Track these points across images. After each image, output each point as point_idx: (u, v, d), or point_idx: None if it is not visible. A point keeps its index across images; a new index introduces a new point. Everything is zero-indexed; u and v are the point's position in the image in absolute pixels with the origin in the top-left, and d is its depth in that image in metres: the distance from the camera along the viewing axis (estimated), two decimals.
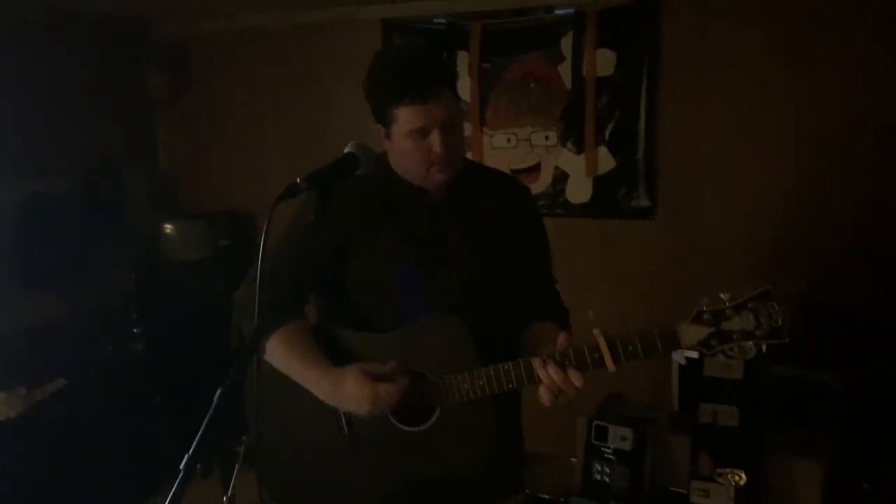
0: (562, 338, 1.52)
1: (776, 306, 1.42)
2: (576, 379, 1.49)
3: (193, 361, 3.86)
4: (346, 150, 1.55)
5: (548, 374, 1.50)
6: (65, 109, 3.78)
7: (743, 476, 2.25)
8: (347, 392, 1.59)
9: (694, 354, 2.61)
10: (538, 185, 3.67)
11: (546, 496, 2.91)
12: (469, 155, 3.73)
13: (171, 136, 4.45)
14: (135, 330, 3.87)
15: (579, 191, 3.64)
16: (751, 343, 1.44)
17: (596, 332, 1.51)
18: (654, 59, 3.42)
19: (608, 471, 2.42)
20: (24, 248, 3.52)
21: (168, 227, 4.12)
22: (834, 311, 2.91)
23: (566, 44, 3.56)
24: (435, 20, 3.77)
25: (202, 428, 1.04)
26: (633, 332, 1.50)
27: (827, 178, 3.15)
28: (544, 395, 1.53)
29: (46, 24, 3.62)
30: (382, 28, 3.82)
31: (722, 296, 1.46)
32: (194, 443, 1.02)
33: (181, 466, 1.00)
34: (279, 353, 1.67)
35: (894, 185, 3.04)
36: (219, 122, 4.30)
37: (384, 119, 1.63)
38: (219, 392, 1.10)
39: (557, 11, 3.59)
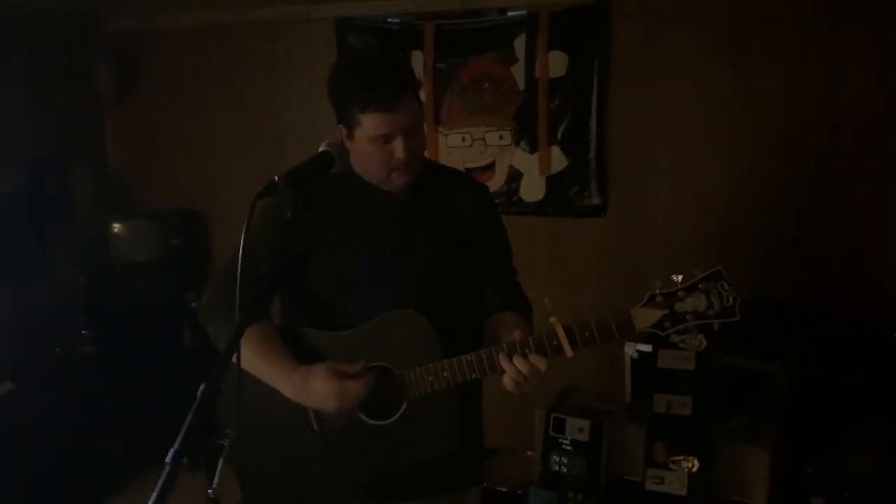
0: (517, 333, 1.57)
1: (726, 286, 1.48)
2: (539, 364, 1.53)
3: (144, 363, 3.80)
4: (321, 149, 1.56)
5: (512, 364, 1.54)
6: (10, 104, 3.67)
7: (696, 463, 2.35)
8: (315, 390, 1.61)
9: (646, 348, 2.69)
10: (493, 184, 3.72)
11: (504, 489, 2.98)
12: (425, 154, 3.75)
13: (119, 132, 4.36)
14: (84, 332, 3.79)
15: (533, 189, 3.70)
16: (701, 322, 1.48)
17: (553, 319, 1.56)
18: (605, 60, 3.50)
19: (566, 461, 2.50)
20: None
21: (117, 227, 4.05)
22: (778, 303, 3.03)
23: (519, 45, 3.62)
24: (389, 20, 3.79)
25: (187, 421, 1.05)
26: (590, 318, 1.55)
27: (771, 175, 3.27)
28: (508, 383, 1.57)
29: None
30: (336, 27, 3.82)
31: (674, 278, 1.51)
32: (179, 436, 1.03)
33: (167, 460, 1.00)
34: (246, 354, 1.66)
35: (834, 182, 3.18)
36: (169, 120, 4.24)
37: (347, 121, 1.65)
38: (202, 387, 1.11)
39: (510, 13, 3.64)
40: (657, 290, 1.52)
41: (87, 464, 3.45)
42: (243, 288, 1.34)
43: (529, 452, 2.91)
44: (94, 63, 4.05)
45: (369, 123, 1.60)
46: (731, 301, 1.48)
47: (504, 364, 1.55)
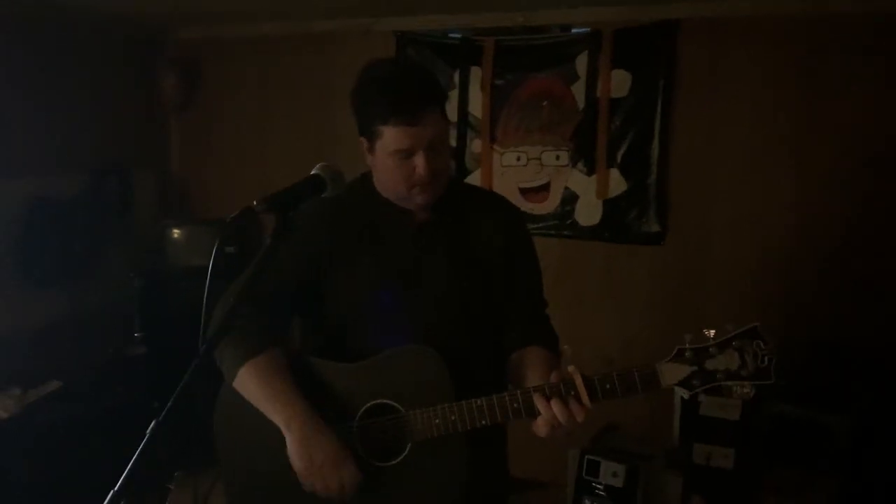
0: (555, 376, 1.48)
1: (763, 344, 1.36)
2: (577, 413, 1.43)
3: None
4: (313, 172, 1.50)
5: (549, 407, 1.44)
6: (76, 111, 3.78)
7: None
8: (311, 463, 1.53)
9: (684, 393, 2.53)
10: (546, 206, 3.61)
11: None
12: (478, 172, 3.68)
13: (182, 140, 4.45)
14: (136, 334, 3.85)
15: (588, 213, 3.57)
16: (732, 384, 1.37)
17: (571, 369, 1.45)
18: (670, 81, 3.35)
19: None
20: (30, 249, 3.52)
21: (175, 232, 4.11)
22: (842, 349, 2.82)
23: (581, 63, 3.50)
24: (449, 34, 3.73)
25: (132, 461, 0.99)
26: (613, 369, 1.44)
27: (838, 211, 3.06)
28: (542, 427, 1.47)
29: (60, 26, 3.63)
30: (396, 41, 3.79)
31: (706, 332, 1.39)
32: (122, 476, 0.97)
33: (105, 502, 0.95)
34: (252, 387, 1.61)
35: None
36: (230, 129, 4.29)
37: (368, 133, 1.59)
38: (152, 425, 1.06)
39: (574, 30, 3.54)
40: (687, 345, 1.41)
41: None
42: (208, 319, 1.29)
43: (568, 488, 2.79)
44: (159, 71, 4.13)
45: (390, 137, 1.53)
46: (766, 362, 1.36)
47: (541, 407, 1.45)
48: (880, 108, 2.98)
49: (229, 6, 3.62)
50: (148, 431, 1.04)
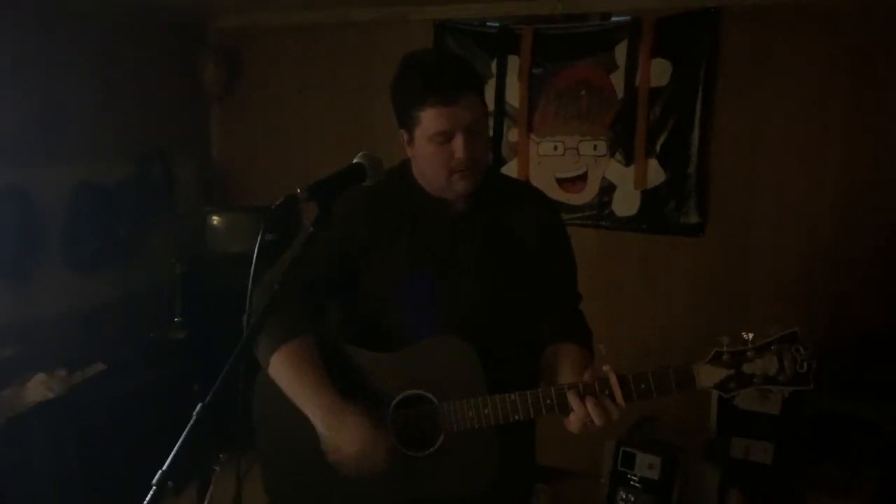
0: (588, 374, 1.48)
1: (802, 350, 1.34)
2: (612, 411, 1.43)
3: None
4: (354, 160, 1.51)
5: (583, 405, 1.44)
6: (121, 98, 3.85)
7: None
8: (343, 441, 1.54)
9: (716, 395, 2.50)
10: (584, 196, 3.59)
11: None
12: (515, 162, 3.67)
13: (223, 128, 4.50)
14: (177, 318, 3.92)
15: (626, 203, 3.53)
16: (770, 387, 1.35)
17: (606, 368, 1.45)
18: (712, 70, 3.30)
19: (633, 499, 2.35)
20: (75, 233, 3.60)
21: (215, 219, 4.17)
22: (888, 341, 2.75)
23: (620, 51, 3.46)
24: (488, 23, 3.72)
25: (179, 443, 1.02)
26: (648, 369, 1.43)
27: (886, 202, 2.99)
28: (574, 423, 1.47)
29: (105, 14, 3.69)
30: (435, 29, 3.79)
31: (744, 335, 1.38)
32: (169, 458, 1.00)
33: (153, 482, 0.97)
34: (283, 374, 1.63)
35: None
36: (271, 116, 4.33)
37: (407, 122, 1.60)
38: (198, 408, 1.08)
39: (614, 18, 3.49)
40: (724, 348, 1.39)
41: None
42: (251, 305, 1.30)
43: (602, 480, 2.78)
44: (202, 60, 4.18)
45: (428, 119, 1.54)
46: (805, 368, 1.35)
47: (574, 404, 1.45)
48: None
49: None
50: (194, 414, 1.06)
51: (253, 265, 1.31)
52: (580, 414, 1.45)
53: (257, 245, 1.32)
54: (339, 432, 1.54)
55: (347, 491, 1.62)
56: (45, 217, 3.45)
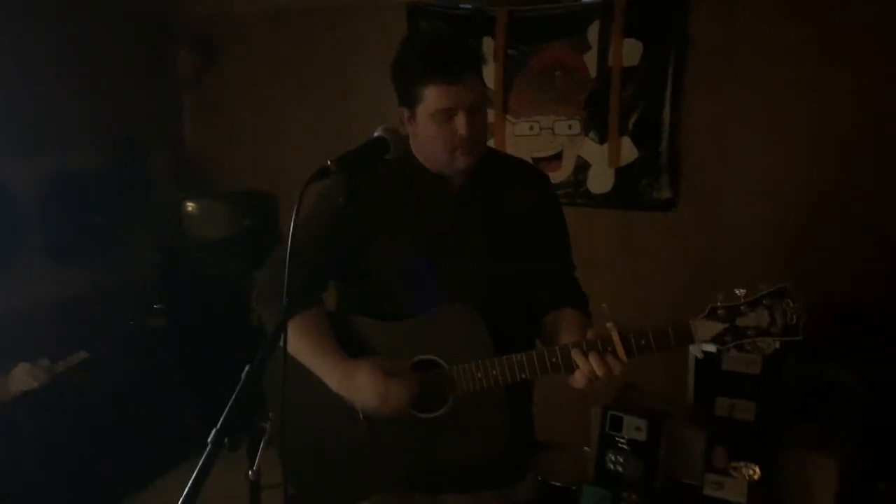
0: (591, 333, 1.55)
1: (792, 303, 1.42)
2: (615, 367, 1.50)
3: (212, 339, 3.91)
4: (375, 134, 1.55)
5: (587, 362, 1.51)
6: (93, 86, 3.81)
7: (757, 470, 2.26)
8: (359, 385, 1.61)
9: (712, 348, 2.61)
10: (560, 174, 3.66)
11: (558, 483, 2.94)
12: (491, 142, 3.73)
13: (197, 115, 4.48)
14: (156, 306, 3.92)
15: (601, 181, 3.62)
16: (763, 339, 1.43)
17: (609, 325, 1.52)
18: (681, 50, 3.39)
19: (622, 460, 2.44)
20: (52, 223, 3.57)
21: (191, 206, 4.15)
22: (855, 307, 2.89)
23: (593, 33, 3.54)
24: (461, 5, 3.76)
25: (230, 403, 1.06)
26: (648, 325, 1.50)
27: (852, 174, 3.11)
28: (580, 379, 1.54)
29: (78, 2, 3.65)
30: (408, 12, 3.81)
31: (737, 291, 1.46)
32: (222, 417, 1.04)
33: (209, 440, 1.01)
34: (293, 340, 1.67)
35: None
36: (244, 103, 4.33)
37: (410, 100, 1.63)
38: (247, 369, 1.12)
39: (585, 0, 3.56)
40: (719, 303, 1.47)
41: (154, 434, 3.57)
42: (292, 273, 1.34)
43: (586, 448, 2.87)
44: (174, 47, 4.15)
45: (432, 97, 1.58)
46: (795, 319, 1.43)
47: (580, 361, 1.52)
48: (890, 80, 3.02)
49: None
50: (243, 375, 1.10)
51: (290, 240, 1.34)
52: (585, 370, 1.52)
53: (293, 220, 1.35)
54: (352, 380, 1.60)
55: (360, 455, 1.68)
56: (21, 207, 3.42)
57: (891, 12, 2.99)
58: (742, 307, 1.45)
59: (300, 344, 1.65)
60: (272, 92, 4.26)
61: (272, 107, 4.27)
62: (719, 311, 1.46)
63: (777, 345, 1.44)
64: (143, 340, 3.80)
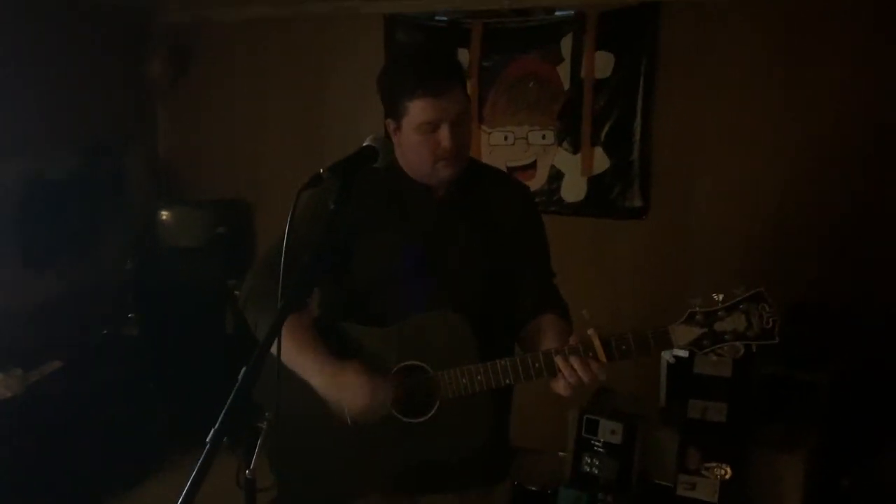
0: (573, 338, 1.59)
1: (767, 308, 1.47)
2: (600, 372, 1.55)
3: (186, 347, 3.90)
4: (365, 143, 1.59)
5: (569, 365, 1.55)
6: (67, 92, 3.79)
7: (728, 470, 2.33)
8: (345, 386, 1.64)
9: (683, 353, 2.68)
10: (534, 183, 3.73)
11: (534, 488, 2.99)
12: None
13: (171, 121, 4.47)
14: (130, 314, 3.90)
15: (574, 190, 3.70)
16: (741, 343, 1.49)
17: (591, 331, 1.56)
18: (652, 62, 3.48)
19: (597, 463, 2.49)
20: (25, 229, 3.54)
21: (165, 213, 4.15)
22: (822, 310, 2.99)
23: (566, 44, 3.61)
24: (437, 17, 3.81)
25: (227, 403, 1.09)
26: (628, 331, 1.55)
27: (818, 179, 3.22)
28: (563, 385, 1.59)
29: (49, 6, 3.63)
30: (385, 23, 3.86)
31: (714, 296, 1.51)
32: (220, 417, 1.07)
33: (208, 439, 1.04)
34: (282, 343, 1.70)
35: (884, 187, 3.12)
36: (219, 110, 4.33)
37: (396, 112, 1.68)
38: (243, 370, 1.15)
39: (558, 13, 3.64)
40: (697, 308, 1.52)
41: (128, 442, 3.55)
42: (286, 276, 1.37)
43: (561, 453, 2.92)
44: (148, 52, 4.14)
45: (416, 110, 1.63)
46: (770, 323, 1.47)
47: (562, 365, 1.56)
48: (854, 85, 3.14)
49: None
50: (239, 376, 1.13)
51: (284, 240, 1.37)
52: (567, 375, 1.56)
53: (287, 224, 1.38)
54: (338, 379, 1.64)
55: (346, 457, 1.71)
56: None
57: (853, 23, 3.11)
58: (719, 312, 1.50)
59: (287, 346, 1.67)
60: (247, 100, 4.26)
61: (247, 114, 4.28)
62: (697, 316, 1.51)
63: (753, 349, 1.49)
64: (116, 348, 3.78)
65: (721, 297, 1.51)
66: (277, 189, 4.18)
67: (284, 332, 1.66)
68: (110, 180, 3.97)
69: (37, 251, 3.58)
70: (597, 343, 1.55)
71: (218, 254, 4.17)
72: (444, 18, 3.80)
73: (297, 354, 1.69)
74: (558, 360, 1.57)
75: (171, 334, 3.95)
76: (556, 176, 3.72)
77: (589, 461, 2.51)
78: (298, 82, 4.14)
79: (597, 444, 2.50)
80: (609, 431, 2.48)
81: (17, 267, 3.51)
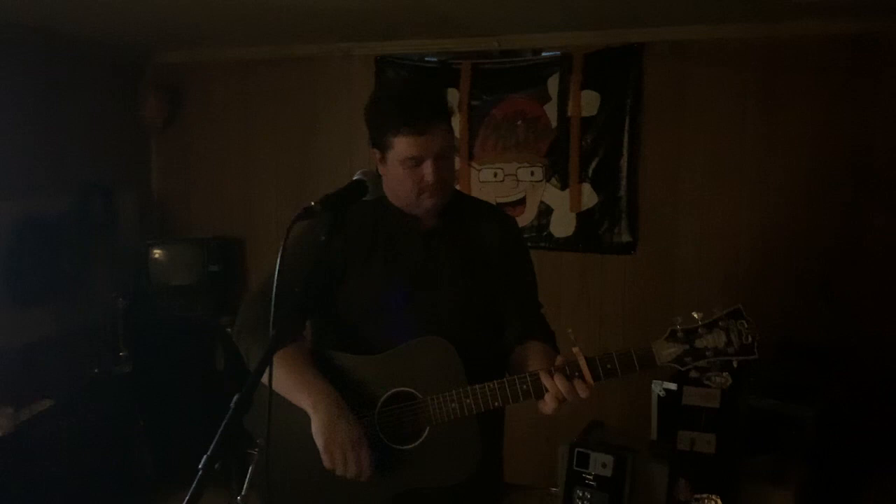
0: (559, 359, 1.62)
1: (746, 324, 1.50)
2: (581, 390, 1.57)
3: (178, 385, 3.90)
4: (355, 177, 1.63)
5: (554, 384, 1.58)
6: (60, 131, 3.83)
7: (719, 501, 2.34)
8: (335, 439, 1.65)
9: (673, 386, 2.71)
10: (523, 219, 3.78)
11: None
12: (458, 188, 3.83)
13: (163, 160, 4.52)
14: (121, 353, 3.89)
15: (563, 225, 3.75)
16: (721, 359, 1.51)
17: (575, 350, 1.59)
18: (637, 100, 3.57)
19: (589, 496, 2.50)
20: (17, 267, 3.55)
21: (157, 252, 4.17)
22: (807, 346, 3.03)
23: (553, 84, 3.70)
24: (427, 58, 3.90)
25: (219, 430, 1.11)
26: (612, 350, 1.59)
27: (801, 216, 3.30)
28: (549, 403, 1.60)
29: (44, 47, 3.69)
30: (376, 64, 3.94)
31: (695, 315, 1.54)
32: (212, 444, 1.09)
33: (200, 466, 1.06)
34: (278, 374, 1.71)
35: (864, 224, 3.19)
36: (212, 150, 4.38)
37: (381, 145, 1.72)
38: (236, 398, 1.17)
39: (545, 53, 3.73)
40: (678, 326, 1.56)
41: (118, 479, 3.53)
42: (278, 306, 1.40)
43: (553, 489, 2.92)
44: (141, 93, 4.21)
45: (401, 146, 1.67)
46: (749, 339, 1.50)
47: (549, 385, 1.59)
48: (832, 125, 3.23)
49: (210, 30, 3.73)
50: (232, 404, 1.16)
51: (276, 274, 1.41)
52: (553, 391, 1.58)
53: (279, 257, 1.42)
54: (335, 421, 1.64)
55: (337, 485, 1.72)
56: None
57: (830, 65, 3.20)
58: (700, 329, 1.53)
59: (282, 377, 1.69)
60: (239, 139, 4.33)
61: (239, 153, 4.34)
62: (679, 334, 1.54)
63: (735, 363, 1.51)
64: (107, 387, 3.77)
65: (701, 314, 1.55)
66: (268, 227, 4.24)
67: (284, 365, 1.70)
68: (102, 219, 3.99)
69: (28, 290, 3.59)
70: (582, 361, 1.58)
71: (209, 292, 4.19)
72: (434, 59, 3.89)
73: (296, 385, 1.69)
74: (543, 378, 1.59)
75: (161, 372, 3.94)
76: (545, 211, 3.78)
77: (580, 495, 2.51)
78: (290, 122, 4.20)
79: (588, 477, 2.50)
80: (600, 464, 2.49)
81: (7, 305, 3.51)
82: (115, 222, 4.11)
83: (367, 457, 1.66)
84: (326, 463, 1.67)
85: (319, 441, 1.66)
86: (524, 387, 1.63)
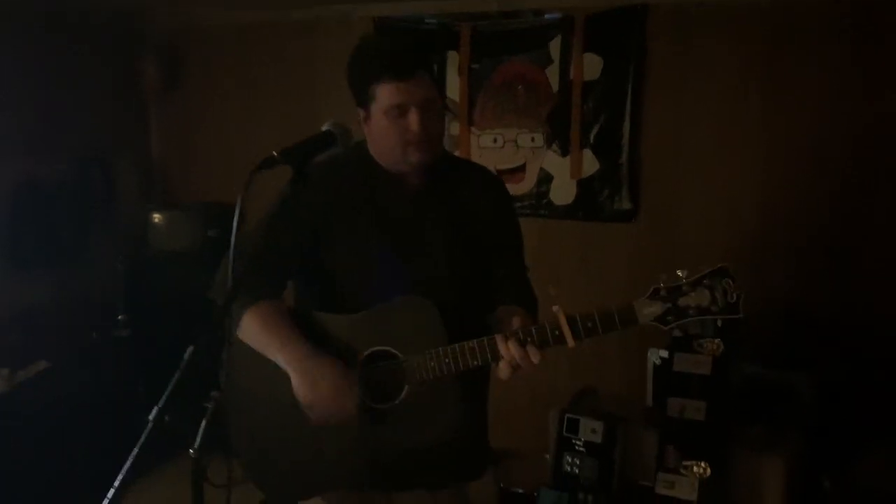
0: (516, 319, 1.59)
1: (731, 282, 1.47)
2: (533, 356, 1.54)
3: (177, 351, 3.90)
4: (323, 128, 1.60)
5: (508, 349, 1.56)
6: (59, 97, 3.82)
7: (707, 469, 2.32)
8: (317, 384, 1.63)
9: (668, 354, 2.67)
10: (523, 186, 3.73)
11: (520, 490, 2.98)
12: (457, 154, 3.79)
13: (162, 126, 4.49)
14: (120, 317, 3.90)
15: (563, 192, 3.69)
16: (704, 318, 1.48)
17: (556, 308, 1.56)
18: (640, 65, 3.48)
19: (578, 462, 2.48)
20: (16, 232, 3.56)
21: (156, 217, 4.16)
22: (807, 313, 2.98)
23: (554, 47, 3.62)
24: (426, 20, 3.83)
25: (171, 383, 1.09)
26: (593, 308, 1.55)
27: (802, 184, 3.22)
28: (503, 369, 1.59)
29: (41, 14, 3.66)
30: (374, 26, 3.88)
31: (679, 273, 1.51)
32: (163, 397, 1.07)
33: (150, 418, 1.04)
34: (254, 331, 1.70)
35: (865, 192, 3.12)
36: (211, 115, 4.35)
37: (364, 99, 1.69)
38: (189, 350, 1.15)
39: (546, 15, 3.65)
40: (662, 284, 1.52)
41: (114, 445, 3.54)
42: (237, 263, 1.38)
43: (546, 455, 2.91)
44: (140, 59, 4.17)
45: (383, 94, 1.64)
46: (734, 298, 1.48)
47: (502, 350, 1.56)
48: (842, 89, 3.14)
49: None
50: (185, 356, 1.14)
51: (233, 237, 1.39)
52: (507, 357, 1.56)
53: (236, 212, 1.39)
54: (312, 376, 1.62)
55: (315, 445, 1.70)
56: None
57: (832, 35, 3.11)
58: (683, 287, 1.51)
59: (260, 335, 1.68)
60: (238, 105, 4.28)
61: (238, 119, 4.30)
62: (662, 292, 1.52)
63: (719, 322, 1.48)
64: (106, 351, 3.78)
65: (685, 272, 1.51)
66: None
67: (261, 321, 1.69)
68: (102, 184, 3.99)
69: (28, 254, 3.60)
70: (562, 319, 1.55)
71: (208, 257, 4.17)
72: (434, 21, 3.82)
73: (272, 343, 1.69)
74: (500, 343, 1.57)
75: (160, 337, 3.94)
76: (545, 179, 3.72)
77: (570, 461, 2.50)
78: (289, 86, 4.15)
79: (577, 443, 2.49)
80: (590, 430, 2.48)
81: (6, 270, 3.52)
82: (115, 187, 4.10)
83: (352, 398, 1.63)
84: (311, 416, 1.65)
85: (301, 395, 1.65)
86: (482, 351, 1.60)
